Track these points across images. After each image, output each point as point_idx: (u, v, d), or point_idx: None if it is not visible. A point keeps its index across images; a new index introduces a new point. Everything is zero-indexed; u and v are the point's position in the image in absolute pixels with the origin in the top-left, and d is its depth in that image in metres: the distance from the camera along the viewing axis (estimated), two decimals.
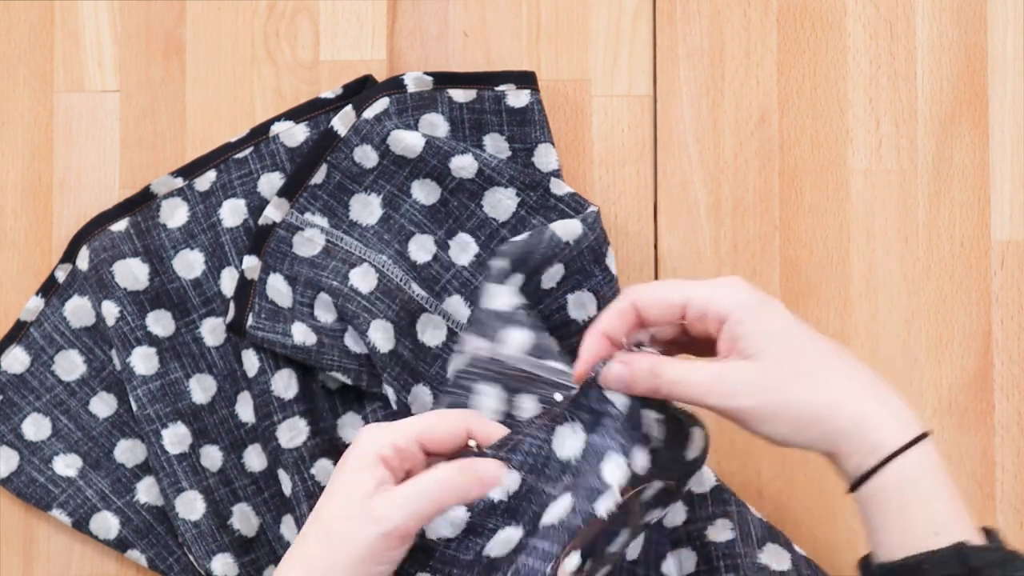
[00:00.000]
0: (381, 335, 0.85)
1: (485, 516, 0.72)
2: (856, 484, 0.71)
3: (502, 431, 0.73)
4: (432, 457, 0.73)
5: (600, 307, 0.87)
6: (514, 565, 0.70)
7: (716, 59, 0.91)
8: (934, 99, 0.91)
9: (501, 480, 0.71)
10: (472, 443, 0.72)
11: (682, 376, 0.71)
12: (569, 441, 0.73)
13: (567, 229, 0.85)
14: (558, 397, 0.76)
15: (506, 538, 0.72)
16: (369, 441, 0.71)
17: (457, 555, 0.72)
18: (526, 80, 0.89)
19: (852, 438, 0.70)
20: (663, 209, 0.91)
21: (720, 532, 0.86)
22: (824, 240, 0.91)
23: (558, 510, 0.71)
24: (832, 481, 0.89)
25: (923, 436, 0.70)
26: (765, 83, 0.91)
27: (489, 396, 0.78)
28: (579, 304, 0.87)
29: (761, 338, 0.70)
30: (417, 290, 0.86)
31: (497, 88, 0.89)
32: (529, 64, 0.91)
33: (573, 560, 0.70)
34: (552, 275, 0.86)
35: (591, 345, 0.73)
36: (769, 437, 0.71)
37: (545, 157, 0.89)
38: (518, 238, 0.85)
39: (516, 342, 0.79)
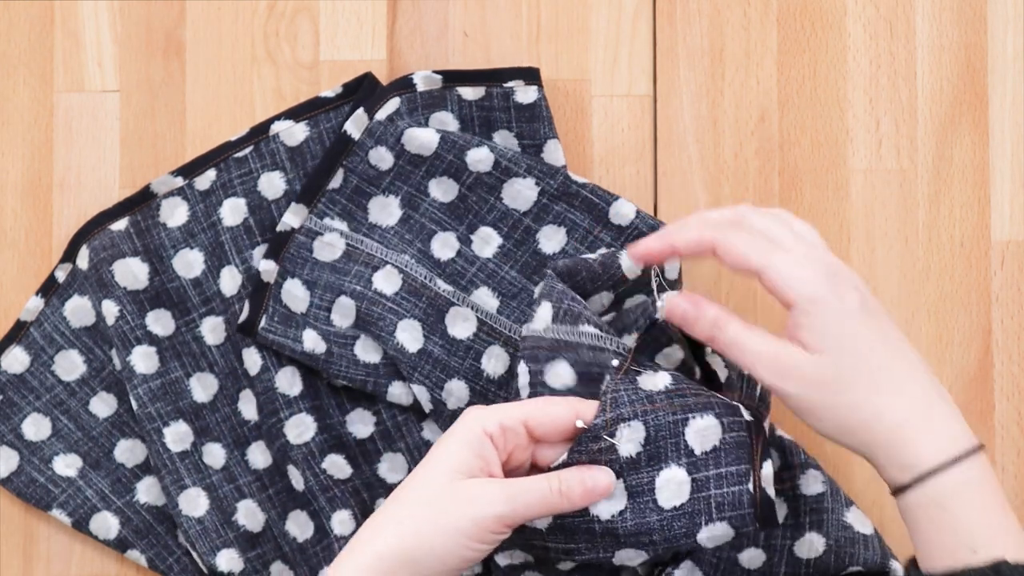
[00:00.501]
0: (408, 335, 0.85)
1: (635, 472, 0.73)
2: (895, 493, 0.71)
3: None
4: (537, 443, 0.73)
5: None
6: (710, 503, 0.72)
7: (716, 59, 0.91)
8: (934, 99, 0.91)
9: (611, 490, 0.72)
10: (579, 422, 0.72)
11: (739, 339, 0.72)
12: (658, 378, 0.75)
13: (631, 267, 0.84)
14: (615, 363, 0.76)
15: (673, 479, 0.72)
16: (475, 419, 0.72)
17: (640, 520, 0.73)
18: (532, 76, 0.90)
19: (889, 452, 0.71)
20: (663, 209, 0.91)
21: (812, 484, 0.83)
22: (824, 240, 0.90)
23: (706, 432, 0.73)
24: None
25: (969, 453, 0.70)
26: (765, 83, 0.91)
27: (560, 372, 0.78)
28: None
29: (823, 336, 0.71)
30: (443, 285, 0.86)
31: (506, 84, 0.89)
32: (529, 64, 0.91)
33: (768, 466, 0.73)
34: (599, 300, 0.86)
35: (654, 241, 0.75)
36: (811, 426, 0.72)
37: (554, 153, 0.89)
38: (587, 257, 0.85)
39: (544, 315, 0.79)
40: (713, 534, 0.73)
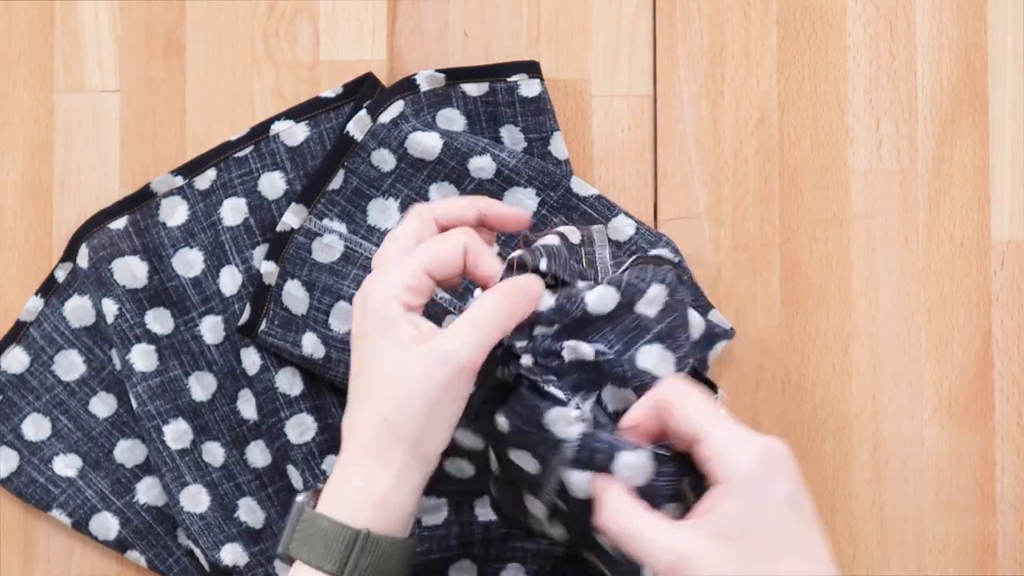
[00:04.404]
0: None
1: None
2: None
3: (491, 252, 0.73)
4: (440, 280, 0.72)
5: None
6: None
7: (716, 59, 0.91)
8: (934, 99, 0.91)
9: (541, 291, 0.71)
10: (516, 253, 0.72)
11: (632, 528, 0.66)
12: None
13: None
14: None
15: (575, 346, 0.71)
16: (382, 292, 0.70)
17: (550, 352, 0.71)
18: (533, 69, 0.90)
19: None
20: (663, 209, 0.91)
21: None
22: (824, 240, 0.90)
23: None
24: (831, 481, 0.89)
25: None
26: (765, 83, 0.91)
27: None
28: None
29: (741, 526, 0.64)
30: (440, 292, 0.86)
31: (509, 79, 0.89)
32: None
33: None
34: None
35: (627, 428, 0.69)
36: None
37: (559, 146, 0.89)
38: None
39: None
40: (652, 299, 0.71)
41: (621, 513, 0.66)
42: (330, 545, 0.68)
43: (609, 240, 0.84)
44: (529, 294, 0.71)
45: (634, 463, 0.68)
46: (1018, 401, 0.90)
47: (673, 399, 0.67)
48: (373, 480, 0.69)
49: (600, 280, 0.73)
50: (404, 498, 0.70)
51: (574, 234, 0.78)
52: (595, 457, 0.68)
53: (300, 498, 0.71)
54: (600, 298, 0.71)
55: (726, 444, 0.65)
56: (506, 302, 0.70)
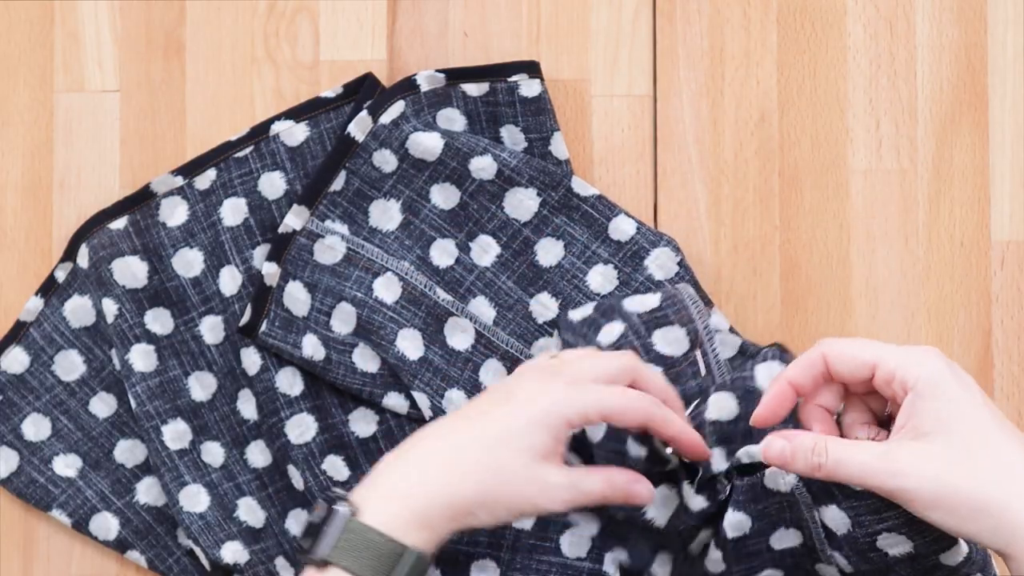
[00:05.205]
0: (409, 343, 0.85)
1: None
2: None
3: (681, 421, 0.75)
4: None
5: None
6: None
7: (716, 59, 0.91)
8: (934, 99, 0.91)
9: (649, 501, 0.76)
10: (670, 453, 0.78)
11: (844, 456, 0.68)
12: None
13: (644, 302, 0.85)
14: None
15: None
16: (562, 403, 0.72)
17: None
18: (533, 69, 0.90)
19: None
20: (663, 209, 0.91)
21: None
22: (824, 240, 0.91)
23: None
24: None
25: None
26: (765, 83, 0.91)
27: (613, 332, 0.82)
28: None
29: (945, 420, 0.67)
30: (442, 294, 0.86)
31: (510, 79, 0.89)
32: None
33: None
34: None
35: (776, 391, 0.72)
36: (936, 524, 0.67)
37: (559, 146, 0.89)
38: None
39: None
40: None
41: (832, 449, 0.69)
42: (379, 558, 0.70)
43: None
44: (634, 499, 0.75)
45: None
46: (1018, 401, 0.90)
47: (830, 348, 0.71)
48: (428, 512, 0.71)
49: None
50: (446, 532, 0.73)
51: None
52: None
53: (342, 509, 0.71)
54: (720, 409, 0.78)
55: (905, 356, 0.69)
56: (611, 494, 0.74)
